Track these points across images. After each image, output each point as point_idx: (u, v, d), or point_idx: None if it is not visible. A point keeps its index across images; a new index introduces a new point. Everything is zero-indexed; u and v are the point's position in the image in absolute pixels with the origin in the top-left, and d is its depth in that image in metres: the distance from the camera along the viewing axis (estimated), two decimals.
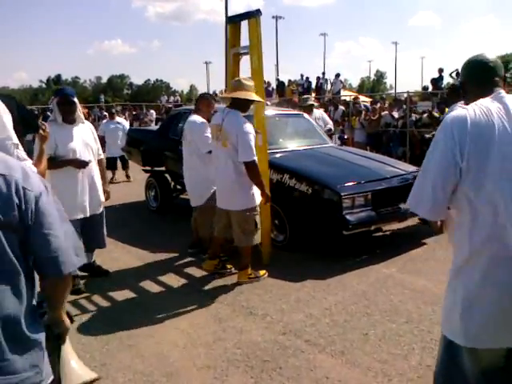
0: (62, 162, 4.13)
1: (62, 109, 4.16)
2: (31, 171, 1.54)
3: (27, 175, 1.49)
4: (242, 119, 4.14)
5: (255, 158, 4.14)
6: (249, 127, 4.13)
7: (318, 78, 21.73)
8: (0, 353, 1.39)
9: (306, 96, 8.98)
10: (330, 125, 7.96)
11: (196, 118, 4.90)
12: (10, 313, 1.42)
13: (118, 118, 11.23)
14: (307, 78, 21.45)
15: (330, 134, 7.69)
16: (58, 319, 1.67)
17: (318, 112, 8.08)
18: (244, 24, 4.85)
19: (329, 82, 21.83)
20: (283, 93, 19.81)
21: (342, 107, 14.22)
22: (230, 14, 5.52)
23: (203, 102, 5.05)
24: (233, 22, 5.09)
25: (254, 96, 4.22)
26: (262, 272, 4.58)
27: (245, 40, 4.87)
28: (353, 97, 16.59)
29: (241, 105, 4.20)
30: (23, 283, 1.47)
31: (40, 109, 19.05)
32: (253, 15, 4.72)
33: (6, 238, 1.41)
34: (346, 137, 8.05)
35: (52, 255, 1.50)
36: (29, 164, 2.97)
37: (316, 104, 8.60)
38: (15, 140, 2.15)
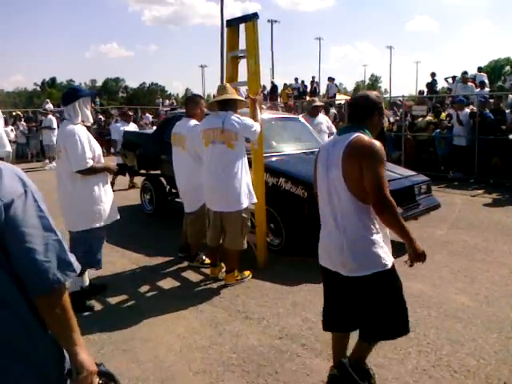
0: (101, 168, 4.02)
1: (90, 110, 4.04)
2: (9, 172, 1.33)
3: (1, 177, 1.29)
4: (239, 117, 4.31)
5: (259, 129, 4.46)
6: (245, 119, 4.36)
7: (312, 82, 21.80)
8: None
9: (313, 98, 9.04)
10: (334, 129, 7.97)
11: (194, 124, 4.83)
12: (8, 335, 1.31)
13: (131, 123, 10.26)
14: (302, 81, 21.51)
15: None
16: (67, 351, 1.42)
17: (322, 117, 8.03)
18: (242, 27, 4.85)
19: (319, 86, 22.01)
20: (276, 97, 19.80)
21: (333, 110, 14.22)
22: (226, 18, 5.52)
23: (198, 106, 4.95)
24: (231, 25, 5.08)
25: (238, 96, 4.56)
26: (247, 273, 4.66)
27: (243, 43, 4.86)
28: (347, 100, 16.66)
29: (231, 106, 4.38)
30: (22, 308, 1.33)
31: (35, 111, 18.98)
32: (250, 19, 4.72)
33: None
34: None
35: (29, 271, 1.30)
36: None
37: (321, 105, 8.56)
38: None
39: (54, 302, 1.35)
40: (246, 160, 4.42)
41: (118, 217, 4.22)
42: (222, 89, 4.47)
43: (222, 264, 4.75)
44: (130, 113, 12.60)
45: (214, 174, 4.33)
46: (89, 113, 3.99)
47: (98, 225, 3.99)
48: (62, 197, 4.04)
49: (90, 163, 3.86)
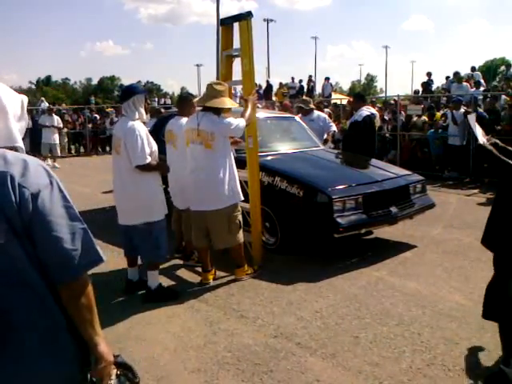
0: (156, 167, 4.13)
1: (145, 107, 4.13)
2: (35, 164, 1.36)
3: (26, 170, 1.31)
4: (217, 118, 4.27)
5: (244, 124, 4.30)
6: (225, 119, 4.31)
7: (309, 81, 21.81)
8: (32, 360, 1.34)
9: (307, 98, 9.04)
10: (333, 127, 7.94)
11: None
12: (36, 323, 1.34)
13: None
14: (300, 80, 21.49)
15: (332, 137, 7.73)
16: (88, 341, 1.42)
17: (315, 115, 7.99)
18: (237, 26, 4.84)
19: (315, 86, 22.02)
20: (270, 95, 19.79)
21: (327, 110, 14.21)
22: (222, 17, 5.52)
23: (191, 104, 4.90)
24: (225, 24, 5.08)
25: (227, 103, 4.39)
26: (251, 269, 4.71)
27: (238, 42, 4.85)
28: (345, 100, 16.67)
29: (213, 109, 4.31)
30: (46, 299, 1.36)
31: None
32: (244, 17, 4.71)
33: (10, 246, 1.28)
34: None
35: (55, 260, 1.33)
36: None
37: (314, 108, 8.55)
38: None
39: (79, 291, 1.38)
40: (229, 160, 4.38)
41: (167, 211, 4.30)
42: (211, 90, 4.31)
43: (212, 272, 4.69)
44: (162, 110, 12.65)
45: (195, 174, 4.33)
46: (143, 110, 4.06)
47: (157, 218, 4.11)
48: (120, 191, 4.15)
49: (149, 159, 3.98)
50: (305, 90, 20.95)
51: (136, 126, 3.94)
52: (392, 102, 13.29)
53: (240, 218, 4.50)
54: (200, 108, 4.53)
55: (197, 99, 4.72)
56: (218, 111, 4.33)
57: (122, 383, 1.50)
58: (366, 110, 6.98)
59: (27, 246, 1.31)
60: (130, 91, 4.06)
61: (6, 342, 1.31)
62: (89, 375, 1.44)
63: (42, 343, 1.35)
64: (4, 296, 1.30)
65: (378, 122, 7.38)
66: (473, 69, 15.49)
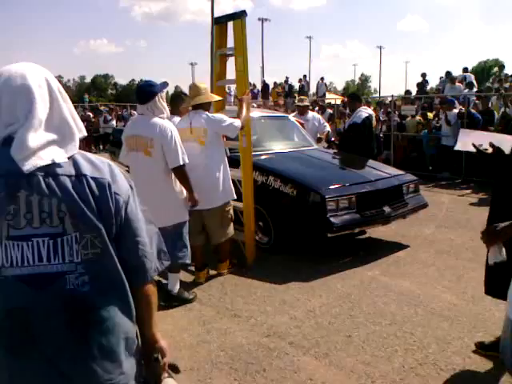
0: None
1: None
2: (117, 169, 1.36)
3: (114, 175, 1.32)
4: (207, 114, 4.37)
5: (239, 124, 4.34)
6: (217, 115, 4.42)
7: (300, 81, 21.84)
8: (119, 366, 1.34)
9: (302, 97, 9.17)
10: (327, 128, 7.96)
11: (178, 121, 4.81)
12: (126, 327, 1.36)
13: None
14: (286, 80, 21.49)
15: (326, 137, 7.72)
16: (150, 339, 1.47)
17: (311, 115, 8.01)
18: (231, 25, 4.83)
19: (309, 85, 22.09)
20: (267, 95, 19.83)
21: (329, 110, 14.29)
22: (217, 15, 5.46)
23: (182, 103, 4.90)
24: (219, 23, 5.07)
25: (214, 96, 4.56)
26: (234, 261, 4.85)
27: (232, 41, 4.85)
28: (338, 100, 16.73)
29: (202, 105, 4.39)
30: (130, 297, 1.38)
31: None
32: (238, 16, 4.71)
33: (105, 253, 1.29)
34: (332, 139, 8.07)
35: (138, 263, 1.37)
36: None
37: (310, 106, 8.60)
38: None
39: (152, 290, 1.44)
40: (223, 158, 4.43)
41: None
42: (194, 89, 4.39)
43: (205, 271, 4.69)
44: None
45: (200, 172, 4.32)
46: (165, 105, 3.93)
47: (186, 218, 4.09)
48: (153, 193, 3.86)
49: (186, 160, 3.89)
50: (294, 89, 21.00)
51: (171, 126, 3.84)
52: (387, 102, 13.34)
53: (231, 212, 4.57)
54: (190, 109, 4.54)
55: (184, 105, 4.70)
56: (206, 107, 4.41)
57: (171, 374, 1.53)
58: (364, 111, 6.92)
59: (115, 250, 1.33)
60: (152, 92, 3.79)
61: (99, 350, 1.30)
62: (156, 370, 1.46)
63: (126, 344, 1.36)
64: (96, 302, 1.29)
65: (374, 123, 7.37)
66: (465, 70, 15.54)
